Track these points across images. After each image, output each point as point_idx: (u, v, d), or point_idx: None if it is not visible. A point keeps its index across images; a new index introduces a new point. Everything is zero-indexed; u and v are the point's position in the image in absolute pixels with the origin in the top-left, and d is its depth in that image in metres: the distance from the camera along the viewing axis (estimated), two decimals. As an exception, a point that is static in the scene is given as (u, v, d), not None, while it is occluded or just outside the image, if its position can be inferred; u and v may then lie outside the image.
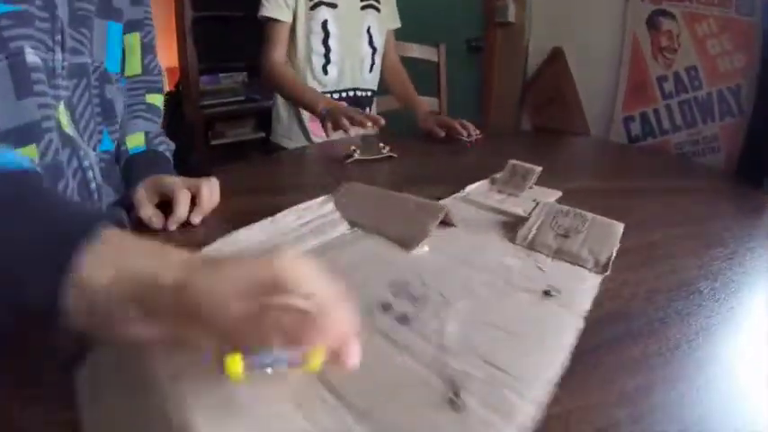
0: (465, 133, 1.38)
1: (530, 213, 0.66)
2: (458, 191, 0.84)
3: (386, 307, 0.45)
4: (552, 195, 0.83)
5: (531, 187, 0.84)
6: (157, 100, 0.85)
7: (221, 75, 3.32)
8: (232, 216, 0.66)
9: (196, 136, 3.18)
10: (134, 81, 0.81)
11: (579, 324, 0.46)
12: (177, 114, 3.16)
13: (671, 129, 1.87)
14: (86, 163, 0.63)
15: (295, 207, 0.58)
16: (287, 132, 1.57)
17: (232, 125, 3.40)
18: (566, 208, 0.66)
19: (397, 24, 1.71)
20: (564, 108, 2.13)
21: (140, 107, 0.81)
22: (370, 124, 1.20)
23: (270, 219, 0.55)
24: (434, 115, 1.55)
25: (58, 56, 0.58)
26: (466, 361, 0.38)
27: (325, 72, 1.50)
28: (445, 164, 1.23)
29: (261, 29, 1.45)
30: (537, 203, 0.67)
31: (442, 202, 0.71)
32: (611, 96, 2.01)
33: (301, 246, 0.54)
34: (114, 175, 0.73)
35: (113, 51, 0.71)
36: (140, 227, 0.64)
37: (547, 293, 0.49)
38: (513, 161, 0.89)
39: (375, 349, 0.39)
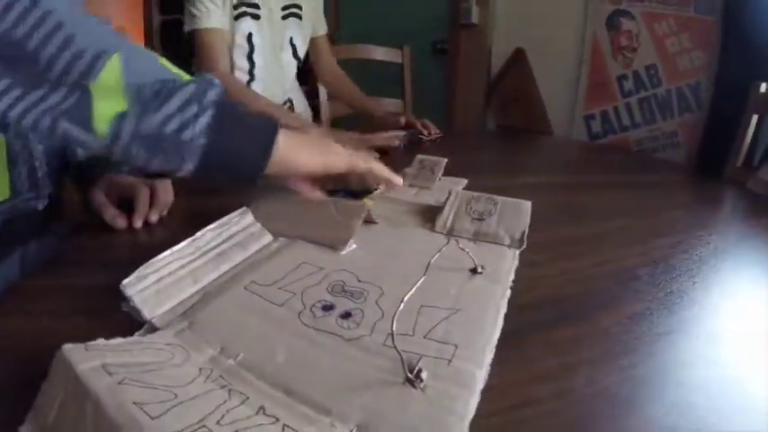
0: (426, 132, 1.38)
1: (444, 203, 0.69)
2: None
3: (327, 308, 0.45)
4: (460, 184, 0.88)
5: (439, 179, 0.87)
6: None
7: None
8: (194, 215, 0.66)
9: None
10: None
11: (507, 293, 0.49)
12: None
13: (631, 125, 1.88)
14: (36, 153, 0.67)
15: (215, 223, 0.56)
16: None
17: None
18: (477, 194, 0.70)
19: (324, 30, 1.57)
20: (527, 107, 2.13)
21: None
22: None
23: (190, 238, 0.53)
24: (392, 115, 1.53)
25: None
26: (415, 342, 0.40)
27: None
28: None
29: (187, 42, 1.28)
30: (450, 193, 0.71)
31: (359, 201, 0.72)
32: (572, 95, 2.02)
33: (227, 262, 0.53)
34: (59, 169, 0.74)
35: None
36: (105, 226, 0.67)
37: (474, 271, 0.52)
38: (421, 156, 0.94)
39: (325, 348, 0.40)
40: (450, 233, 0.63)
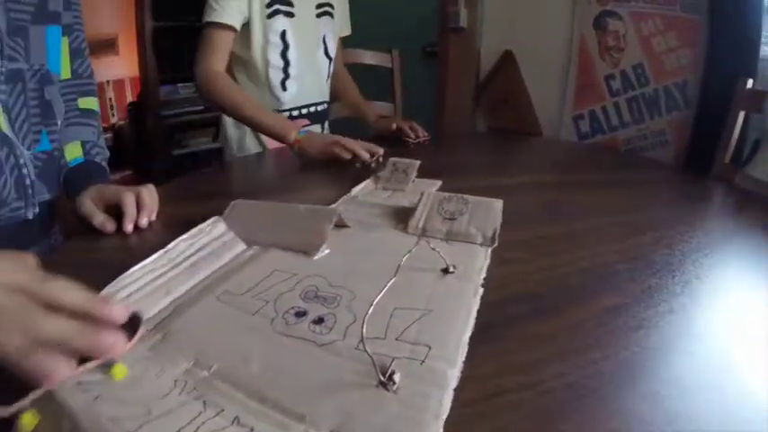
0: (413, 135, 1.38)
1: (417, 204, 0.69)
2: (345, 194, 0.84)
3: (300, 314, 0.45)
4: (434, 185, 0.88)
5: (413, 181, 0.88)
6: (91, 103, 0.86)
7: (180, 85, 3.26)
8: (183, 221, 0.65)
9: (157, 145, 3.13)
10: (65, 86, 0.81)
11: (479, 291, 0.49)
12: (141, 124, 3.11)
13: (619, 125, 1.88)
14: (22, 161, 0.66)
15: (187, 234, 0.56)
16: (239, 150, 1.40)
17: (192, 135, 3.34)
18: (448, 194, 0.71)
19: (349, 31, 1.59)
20: (516, 109, 2.14)
21: (74, 113, 0.82)
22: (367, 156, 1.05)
23: (163, 250, 0.53)
24: (385, 119, 1.54)
25: None
26: (387, 345, 0.40)
27: (284, 88, 1.33)
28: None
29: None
30: (422, 194, 0.71)
31: (332, 206, 0.73)
32: (560, 96, 2.02)
33: (200, 273, 0.52)
34: (50, 175, 0.74)
35: (54, 53, 0.75)
36: (95, 232, 0.68)
37: (445, 271, 0.52)
38: (394, 158, 0.94)
39: (298, 354, 0.40)
40: (422, 234, 0.64)
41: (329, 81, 1.49)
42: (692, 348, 0.45)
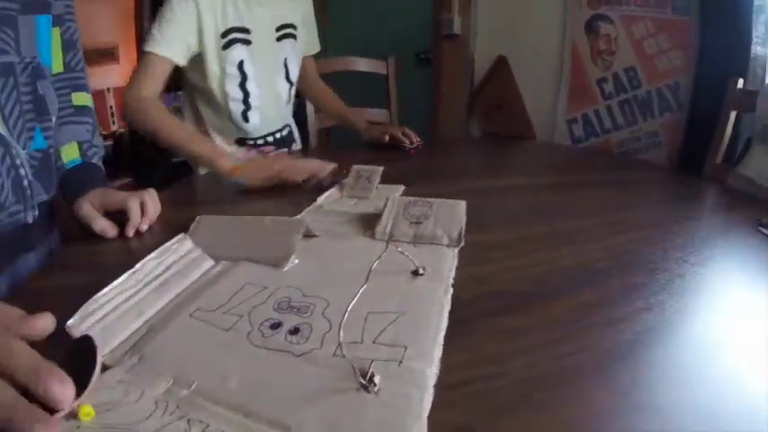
0: (407, 141, 1.38)
1: (383, 210, 0.70)
2: (310, 204, 0.83)
3: (275, 326, 0.45)
4: (397, 191, 0.89)
5: (377, 187, 0.88)
6: (84, 99, 0.83)
7: (180, 92, 3.27)
8: (183, 225, 0.68)
9: (157, 153, 3.13)
10: (57, 80, 0.78)
11: (449, 291, 0.51)
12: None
13: (612, 128, 1.88)
14: (18, 161, 0.63)
15: (154, 252, 0.55)
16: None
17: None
18: (413, 199, 0.72)
19: (318, 48, 1.52)
20: (510, 114, 2.14)
21: (68, 111, 0.80)
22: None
23: (131, 270, 0.52)
24: (376, 125, 1.53)
25: None
26: (364, 348, 0.41)
27: (246, 119, 1.27)
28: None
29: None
30: (387, 200, 0.73)
31: (298, 216, 0.73)
32: (554, 100, 2.03)
33: (170, 291, 0.52)
34: (46, 175, 0.71)
35: (45, 44, 0.71)
36: (94, 237, 0.69)
37: (415, 273, 0.54)
38: (357, 166, 0.95)
39: (277, 366, 0.40)
40: (390, 239, 0.65)
41: (290, 104, 1.44)
42: (665, 344, 0.45)
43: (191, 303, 0.49)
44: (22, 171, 0.64)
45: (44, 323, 0.37)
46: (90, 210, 0.71)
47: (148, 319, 0.47)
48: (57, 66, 0.78)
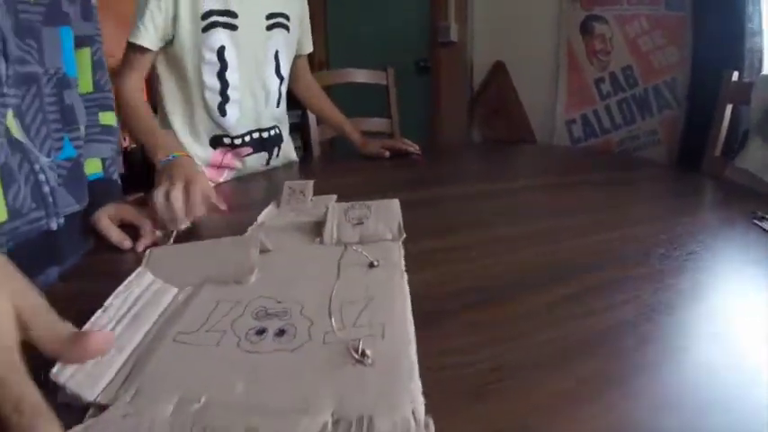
0: (411, 149, 1.36)
1: (324, 217, 0.74)
2: (251, 224, 0.81)
3: (261, 332, 0.47)
4: (331, 199, 0.92)
5: (311, 200, 0.91)
6: (110, 119, 0.86)
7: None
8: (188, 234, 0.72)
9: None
10: (87, 99, 0.79)
11: (404, 276, 0.55)
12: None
13: (611, 127, 1.89)
14: (37, 167, 0.64)
15: (118, 289, 0.54)
16: None
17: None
18: (351, 203, 0.76)
19: (311, 49, 1.43)
20: (509, 118, 2.15)
21: (95, 130, 0.82)
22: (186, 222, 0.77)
23: (101, 309, 0.51)
24: (371, 138, 1.46)
25: (2, 65, 0.59)
26: (350, 332, 0.44)
27: (223, 113, 1.16)
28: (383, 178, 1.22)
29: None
30: (327, 207, 0.76)
31: (245, 235, 0.74)
32: (552, 103, 2.03)
33: (146, 322, 0.51)
34: (77, 185, 0.72)
35: (69, 56, 0.72)
36: (106, 245, 0.73)
37: (372, 265, 0.59)
38: (288, 182, 0.97)
39: (276, 363, 0.42)
40: (338, 242, 0.68)
41: (282, 103, 1.32)
42: (639, 336, 0.44)
43: (170, 329, 0.48)
44: (42, 177, 0.64)
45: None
46: (107, 222, 0.74)
47: (131, 353, 0.46)
48: (86, 85, 0.80)
